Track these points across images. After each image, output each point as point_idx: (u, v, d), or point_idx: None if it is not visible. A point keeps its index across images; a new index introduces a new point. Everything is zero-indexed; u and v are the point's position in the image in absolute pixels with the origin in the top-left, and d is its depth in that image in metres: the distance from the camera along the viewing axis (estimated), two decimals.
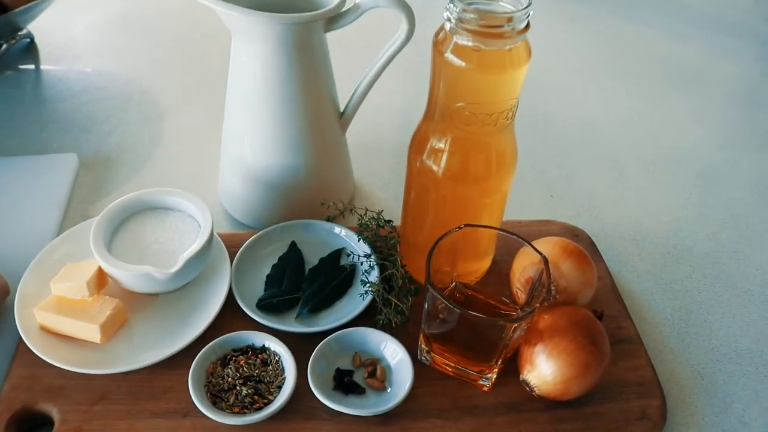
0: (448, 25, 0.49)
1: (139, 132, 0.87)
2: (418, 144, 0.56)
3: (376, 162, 0.83)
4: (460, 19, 0.48)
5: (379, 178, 0.80)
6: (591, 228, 0.75)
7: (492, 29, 0.47)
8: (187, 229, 0.60)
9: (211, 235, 0.58)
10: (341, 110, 0.68)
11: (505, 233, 0.55)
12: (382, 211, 0.63)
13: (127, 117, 0.90)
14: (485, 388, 0.56)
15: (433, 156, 0.55)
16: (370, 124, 0.74)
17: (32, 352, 0.55)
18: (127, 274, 0.55)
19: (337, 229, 0.66)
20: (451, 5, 0.48)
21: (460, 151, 0.54)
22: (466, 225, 0.54)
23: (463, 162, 0.54)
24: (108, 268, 0.56)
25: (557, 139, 0.91)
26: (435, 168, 0.55)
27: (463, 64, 0.49)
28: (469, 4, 0.49)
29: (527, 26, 0.48)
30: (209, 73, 0.99)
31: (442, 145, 0.54)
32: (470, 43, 0.48)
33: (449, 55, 0.49)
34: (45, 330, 0.56)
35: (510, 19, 0.47)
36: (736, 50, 1.16)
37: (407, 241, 0.62)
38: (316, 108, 0.64)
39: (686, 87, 1.05)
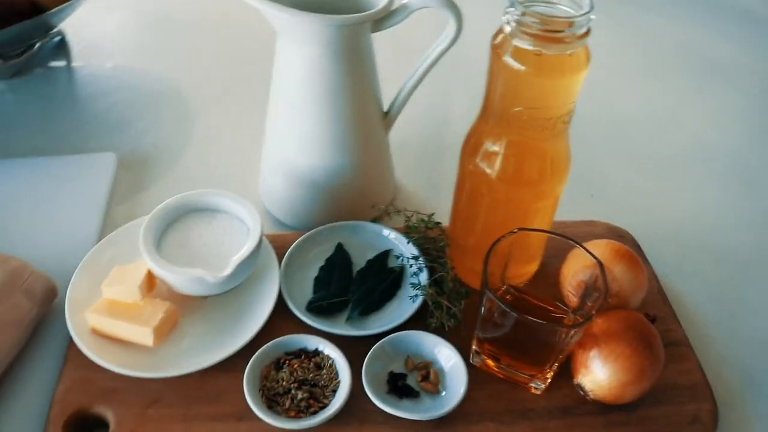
0: (507, 29, 0.49)
1: (174, 131, 0.87)
2: (472, 147, 0.55)
3: (416, 160, 0.82)
4: (519, 23, 0.47)
5: (420, 176, 0.80)
6: (633, 228, 0.74)
7: (552, 33, 0.47)
8: (235, 231, 0.59)
9: (261, 237, 0.58)
10: (385, 110, 0.68)
11: (559, 237, 0.55)
12: (433, 214, 0.62)
13: (161, 115, 0.90)
14: (537, 392, 0.55)
15: (488, 159, 0.54)
16: (409, 120, 0.73)
17: (83, 354, 0.55)
18: (179, 278, 0.55)
19: (385, 231, 0.65)
20: (512, 9, 0.47)
21: (515, 154, 0.53)
22: (521, 229, 0.54)
23: (518, 165, 0.54)
24: (159, 272, 0.56)
25: (594, 138, 0.90)
26: (489, 171, 0.54)
27: (523, 68, 0.48)
28: (529, 6, 0.48)
29: (588, 31, 0.48)
30: (245, 71, 0.98)
31: (497, 149, 0.53)
32: (530, 47, 0.47)
33: (508, 59, 0.48)
34: (96, 333, 0.56)
35: (571, 24, 0.47)
36: (761, 41, 1.15)
37: (456, 244, 0.62)
38: (362, 108, 0.64)
39: (717, 80, 1.04)
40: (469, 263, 0.60)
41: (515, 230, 0.54)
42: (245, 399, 0.52)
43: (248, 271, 0.58)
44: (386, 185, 0.73)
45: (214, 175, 0.80)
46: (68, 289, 0.58)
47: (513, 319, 0.50)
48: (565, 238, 0.54)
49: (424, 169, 0.81)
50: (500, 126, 0.52)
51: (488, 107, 0.53)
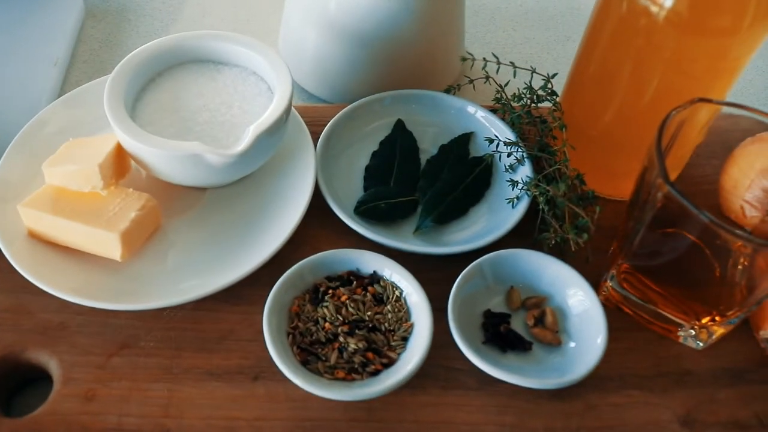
0: None
1: None
2: None
3: (488, 26, 0.60)
4: None
5: (493, 46, 0.58)
6: None
7: None
8: (251, 91, 0.39)
9: (291, 98, 0.38)
10: None
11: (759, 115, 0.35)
12: (555, 74, 0.41)
13: None
14: (699, 346, 0.37)
15: None
16: None
17: (14, 271, 0.35)
18: (164, 155, 0.35)
19: (466, 106, 0.45)
20: None
21: None
22: (702, 99, 0.34)
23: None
24: (132, 144, 0.36)
25: None
26: (654, 8, 0.34)
27: None
28: None
29: None
30: None
31: None
32: None
33: None
34: (36, 238, 0.37)
35: None
36: None
37: (576, 131, 0.42)
38: None
39: None
40: (596, 158, 0.41)
41: (695, 100, 0.34)
42: (265, 347, 0.33)
43: (270, 151, 0.38)
44: (456, 50, 0.52)
45: (210, 27, 0.58)
46: None
47: (698, 230, 0.31)
48: None
49: (500, 38, 0.60)
50: None
51: None
